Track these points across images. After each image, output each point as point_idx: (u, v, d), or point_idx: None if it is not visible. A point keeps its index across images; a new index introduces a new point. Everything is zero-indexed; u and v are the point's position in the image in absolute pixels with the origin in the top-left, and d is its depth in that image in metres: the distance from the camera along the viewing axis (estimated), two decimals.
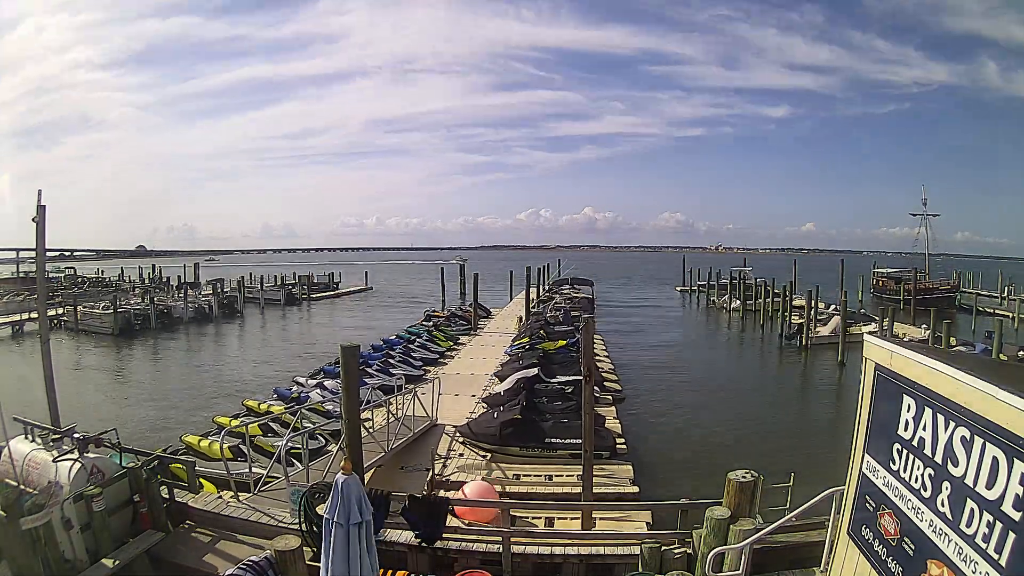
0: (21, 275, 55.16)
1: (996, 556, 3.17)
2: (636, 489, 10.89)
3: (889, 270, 54.13)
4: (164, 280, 60.76)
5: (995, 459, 3.23)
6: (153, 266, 70.68)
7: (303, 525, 6.87)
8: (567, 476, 11.32)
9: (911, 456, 4.00)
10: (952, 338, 21.34)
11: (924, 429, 3.88)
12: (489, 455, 12.40)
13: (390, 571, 6.58)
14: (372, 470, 10.48)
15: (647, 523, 9.10)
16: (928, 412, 3.85)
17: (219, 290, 47.16)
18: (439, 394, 14.32)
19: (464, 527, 8.02)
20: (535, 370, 16.45)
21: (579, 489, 9.50)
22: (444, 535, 7.40)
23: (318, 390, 17.50)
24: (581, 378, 9.83)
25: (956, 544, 3.48)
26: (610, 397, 17.11)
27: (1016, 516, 3.07)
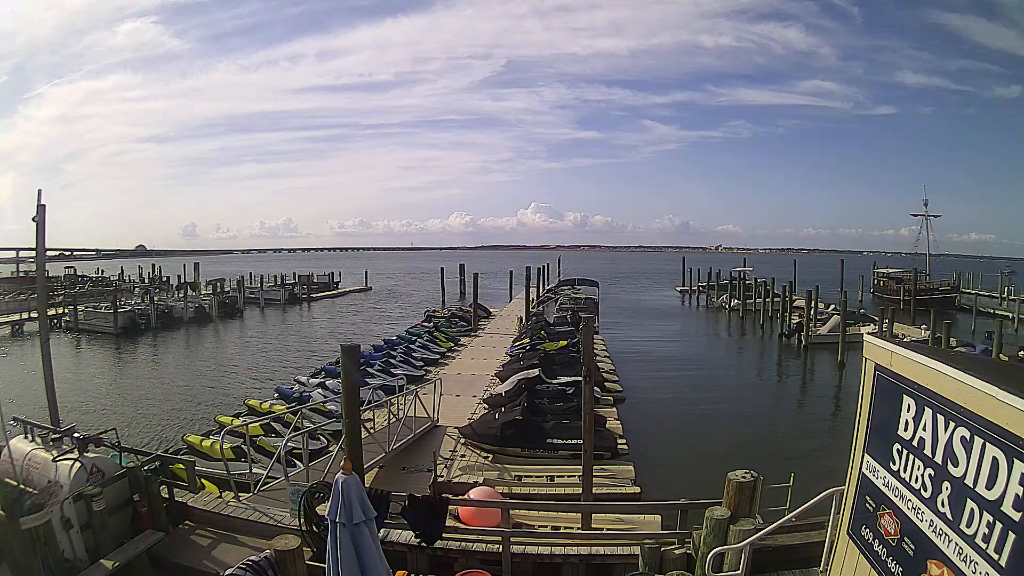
0: (21, 275, 55.26)
1: (996, 556, 3.17)
2: (637, 489, 10.91)
3: (889, 270, 54.17)
4: (164, 280, 60.79)
5: (995, 459, 3.23)
6: (153, 266, 70.73)
7: (303, 525, 6.87)
8: (568, 477, 11.31)
9: (911, 456, 4.00)
10: (952, 338, 21.33)
11: (924, 429, 3.88)
12: (491, 456, 12.41)
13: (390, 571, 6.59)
14: (373, 471, 10.49)
15: (649, 523, 9.10)
16: (928, 412, 3.85)
17: (219, 290, 47.24)
18: (440, 395, 14.33)
19: (464, 527, 8.02)
20: (536, 371, 16.48)
21: (580, 490, 9.50)
22: (444, 535, 7.41)
23: (320, 390, 17.52)
24: (581, 378, 9.83)
25: (956, 544, 3.48)
26: (611, 398, 17.14)
27: (1016, 516, 3.07)
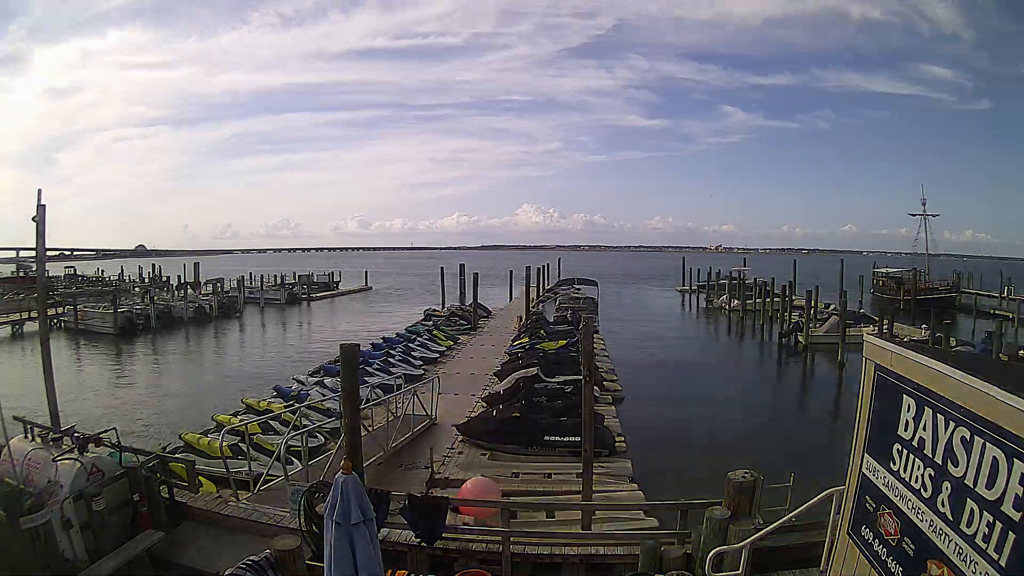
0: (21, 274, 55.22)
1: (996, 556, 3.17)
2: (635, 487, 10.92)
3: (889, 270, 54.20)
4: (164, 280, 60.74)
5: (995, 459, 3.23)
6: (153, 266, 70.68)
7: (303, 525, 6.87)
8: (565, 474, 11.33)
9: (911, 456, 4.00)
10: (952, 338, 21.36)
11: (924, 429, 3.88)
12: (488, 453, 12.42)
13: (390, 571, 6.58)
14: (372, 469, 10.49)
15: (647, 522, 9.10)
16: (928, 412, 3.85)
17: (219, 290, 47.24)
18: (439, 393, 14.35)
19: (464, 527, 8.02)
20: (534, 370, 16.50)
21: (577, 487, 9.49)
22: (444, 535, 7.40)
23: (318, 388, 17.51)
24: (580, 378, 9.82)
25: (956, 544, 3.48)
26: (609, 396, 17.17)
27: (1016, 516, 3.07)
